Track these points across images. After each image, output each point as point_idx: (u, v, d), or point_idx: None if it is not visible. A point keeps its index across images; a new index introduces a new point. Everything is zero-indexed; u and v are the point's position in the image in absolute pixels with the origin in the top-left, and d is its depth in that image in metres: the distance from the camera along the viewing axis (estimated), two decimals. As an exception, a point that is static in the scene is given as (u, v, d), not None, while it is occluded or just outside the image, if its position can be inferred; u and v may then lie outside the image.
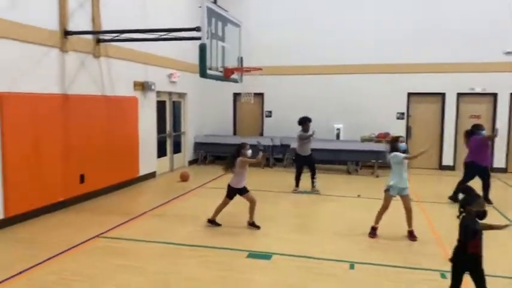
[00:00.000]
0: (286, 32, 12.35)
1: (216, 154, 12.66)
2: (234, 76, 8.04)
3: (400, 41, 11.69)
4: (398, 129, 11.94)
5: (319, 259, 5.15)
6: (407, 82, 11.87)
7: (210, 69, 6.84)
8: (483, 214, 3.47)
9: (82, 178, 7.66)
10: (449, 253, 5.17)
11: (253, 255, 5.26)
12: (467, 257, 3.52)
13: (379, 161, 10.92)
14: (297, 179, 8.93)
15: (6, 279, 4.44)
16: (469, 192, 3.66)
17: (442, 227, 6.46)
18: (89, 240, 5.72)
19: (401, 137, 6.22)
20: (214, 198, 6.86)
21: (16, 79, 6.29)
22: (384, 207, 5.94)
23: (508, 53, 11.15)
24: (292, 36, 12.37)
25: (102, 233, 6.00)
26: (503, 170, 11.25)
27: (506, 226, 3.68)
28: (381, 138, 11.81)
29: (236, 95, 13.16)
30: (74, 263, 4.95)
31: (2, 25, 6.01)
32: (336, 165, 11.75)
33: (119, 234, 6.01)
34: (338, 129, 12.24)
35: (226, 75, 7.46)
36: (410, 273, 4.75)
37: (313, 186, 8.92)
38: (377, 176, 10.72)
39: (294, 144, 11.03)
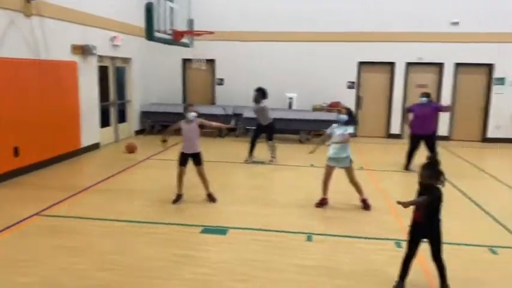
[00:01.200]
0: (239, -5, 11.84)
1: (164, 123, 12.09)
2: (184, 40, 7.53)
3: (352, 10, 11.59)
4: (348, 98, 12.02)
5: (277, 231, 5.03)
6: (358, 51, 11.86)
7: (158, 31, 6.31)
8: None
9: (16, 151, 6.97)
10: (403, 221, 5.26)
11: (208, 230, 5.04)
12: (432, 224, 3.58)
13: (331, 130, 10.95)
14: (251, 148, 8.73)
15: None
16: (434, 166, 3.59)
17: (394, 195, 6.55)
18: (26, 219, 5.21)
19: (348, 108, 6.09)
20: (164, 170, 6.52)
21: None
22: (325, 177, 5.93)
23: (454, 23, 11.39)
24: (246, 0, 11.87)
25: (42, 211, 5.49)
26: (446, 138, 11.73)
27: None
28: (332, 107, 11.83)
29: (186, 61, 12.56)
30: (10, 246, 4.47)
31: None
32: (288, 135, 11.66)
33: (60, 212, 5.53)
34: (291, 98, 12.09)
35: (176, 38, 6.96)
36: (366, 243, 4.75)
37: (272, 156, 8.76)
38: (328, 145, 10.75)
39: (248, 114, 10.82)
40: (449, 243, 3.70)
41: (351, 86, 12.15)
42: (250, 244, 4.68)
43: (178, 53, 11.76)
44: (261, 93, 8.58)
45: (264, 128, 8.70)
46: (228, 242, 4.74)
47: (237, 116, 11.65)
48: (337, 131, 5.81)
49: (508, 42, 11.20)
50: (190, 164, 6.00)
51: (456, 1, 11.30)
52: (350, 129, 5.74)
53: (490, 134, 11.80)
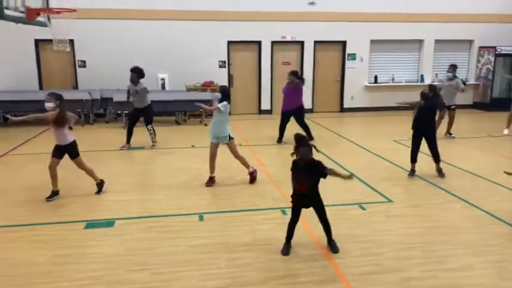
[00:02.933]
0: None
1: (18, 113, 10.67)
2: (40, 18, 6.70)
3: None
4: (221, 77, 12.22)
5: (167, 216, 4.96)
6: (227, 30, 12.04)
7: (7, 8, 5.49)
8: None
9: None
10: (284, 191, 5.65)
11: (92, 224, 4.72)
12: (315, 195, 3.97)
13: (206, 109, 11.05)
14: (129, 135, 8.30)
15: None
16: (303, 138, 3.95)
17: (273, 167, 7.00)
18: None
19: (222, 86, 6.24)
20: (27, 166, 5.82)
21: None
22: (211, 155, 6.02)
23: (311, 3, 12.31)
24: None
25: None
26: (310, 111, 12.79)
27: (349, 177, 4.06)
28: (206, 86, 11.89)
29: (39, 42, 11.23)
30: None
31: None
32: (163, 117, 11.39)
33: None
34: (163, 79, 11.77)
35: (30, 17, 6.14)
36: (254, 215, 5.00)
37: (152, 141, 8.45)
38: (205, 125, 10.86)
39: (118, 98, 10.23)
40: (327, 205, 4.11)
41: (222, 65, 12.33)
42: (142, 232, 4.54)
43: (29, 33, 10.45)
44: (136, 74, 8.12)
45: (140, 112, 8.31)
46: (118, 233, 4.52)
47: (106, 100, 10.95)
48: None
49: (358, 21, 12.55)
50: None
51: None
52: (218, 104, 5.87)
53: (346, 104, 13.24)
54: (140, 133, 8.61)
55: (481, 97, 13.60)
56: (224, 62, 12.33)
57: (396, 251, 4.11)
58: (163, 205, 5.32)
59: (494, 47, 12.96)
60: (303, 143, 3.89)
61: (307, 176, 3.90)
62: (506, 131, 9.57)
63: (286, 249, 4.03)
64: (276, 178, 6.36)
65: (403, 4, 12.58)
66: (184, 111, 11.41)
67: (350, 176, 4.06)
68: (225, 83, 12.26)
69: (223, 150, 6.14)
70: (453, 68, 9.34)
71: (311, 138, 8.72)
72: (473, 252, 4.06)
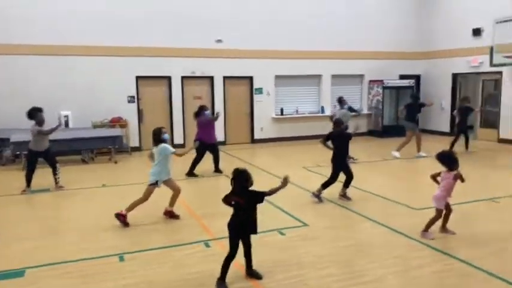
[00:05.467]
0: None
1: None
2: None
3: (128, 24, 11.64)
4: (130, 112, 11.99)
5: (83, 260, 4.68)
6: (135, 66, 11.94)
7: None
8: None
9: None
10: (205, 223, 5.70)
11: (-2, 277, 4.28)
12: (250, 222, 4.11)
13: (116, 146, 10.70)
14: (28, 178, 7.67)
15: None
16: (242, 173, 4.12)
17: (192, 200, 7.00)
18: None
19: (163, 127, 6.06)
20: None
21: None
22: (144, 200, 5.83)
23: (218, 40, 12.78)
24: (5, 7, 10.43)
25: None
26: (223, 143, 13.05)
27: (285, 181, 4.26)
28: (114, 122, 11.54)
29: None
30: None
31: None
32: (68, 156, 10.73)
33: None
34: (66, 116, 11.16)
35: None
36: (178, 251, 4.95)
37: (56, 182, 7.89)
38: (115, 162, 10.50)
39: (16, 138, 9.47)
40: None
41: (131, 100, 12.11)
42: (57, 279, 4.23)
43: None
44: (39, 111, 7.61)
45: (41, 154, 7.74)
46: (29, 284, 4.15)
47: (3, 140, 10.06)
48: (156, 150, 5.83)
49: (263, 58, 13.29)
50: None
51: (219, 22, 12.69)
52: (170, 149, 5.83)
53: (257, 135, 13.77)
54: (43, 174, 8.03)
55: (373, 125, 15.10)
56: (133, 97, 12.14)
57: (316, 270, 4.38)
58: (77, 248, 5.01)
59: (382, 81, 14.60)
60: (240, 173, 4.07)
61: (248, 203, 4.05)
62: (397, 154, 10.68)
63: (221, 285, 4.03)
64: (197, 212, 6.37)
65: (303, 43, 13.66)
66: (91, 149, 10.88)
67: (285, 180, 4.23)
68: (134, 118, 12.07)
69: (140, 190, 6.00)
70: (340, 100, 10.37)
71: (219, 171, 8.96)
72: (383, 265, 4.49)
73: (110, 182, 8.39)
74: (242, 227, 4.11)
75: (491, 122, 13.42)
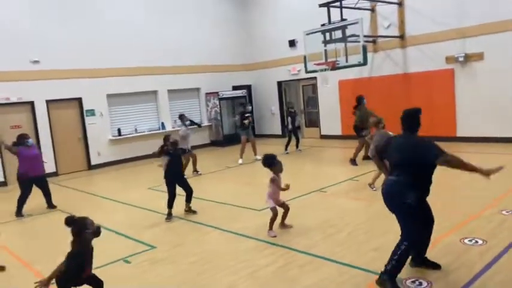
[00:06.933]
0: None
1: None
2: None
3: None
4: None
5: None
6: None
7: None
8: (98, 230, 3.54)
9: None
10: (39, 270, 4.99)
11: None
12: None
13: None
14: None
15: None
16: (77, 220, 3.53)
17: (17, 246, 6.05)
18: None
19: None
20: None
21: None
22: None
23: (35, 61, 11.48)
24: None
25: None
26: (55, 174, 11.73)
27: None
28: None
29: None
30: None
31: None
32: None
33: None
34: None
35: None
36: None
37: None
38: None
39: None
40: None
41: None
42: None
43: None
44: None
45: None
46: None
47: None
48: None
49: (91, 77, 12.42)
50: None
51: (35, 41, 11.40)
52: None
53: (94, 161, 12.77)
54: None
55: (215, 135, 15.55)
56: None
57: (167, 293, 4.21)
58: None
59: (217, 92, 15.15)
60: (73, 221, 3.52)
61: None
62: (240, 161, 11.23)
63: None
64: (24, 258, 5.52)
65: (136, 59, 13.27)
66: None
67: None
68: None
69: None
70: (181, 117, 10.39)
71: (53, 206, 8.03)
72: (232, 272, 4.57)
73: None
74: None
75: (313, 121, 15.18)
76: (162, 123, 14.30)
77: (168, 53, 14.07)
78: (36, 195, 7.98)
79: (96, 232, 3.51)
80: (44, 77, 11.58)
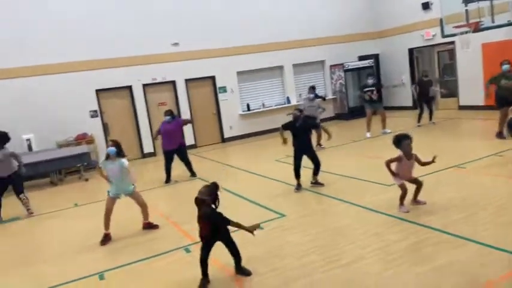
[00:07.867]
0: None
1: None
2: None
3: (76, 39, 11.34)
4: (95, 127, 11.73)
5: (64, 284, 4.57)
6: (93, 79, 11.65)
7: None
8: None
9: None
10: (184, 228, 5.65)
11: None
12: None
13: (84, 163, 10.45)
14: None
15: None
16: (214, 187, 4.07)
17: (166, 208, 6.93)
18: None
19: (114, 140, 5.95)
20: None
21: None
22: (108, 211, 5.73)
23: (175, 44, 12.64)
24: None
25: None
26: (194, 146, 12.94)
27: (254, 229, 4.21)
28: (80, 139, 11.27)
29: None
30: None
31: None
32: (36, 180, 10.42)
33: None
34: (28, 139, 10.81)
35: None
36: (159, 260, 4.90)
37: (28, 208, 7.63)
38: (86, 180, 10.25)
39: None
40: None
41: (94, 114, 11.84)
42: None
43: None
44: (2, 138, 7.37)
45: (6, 181, 7.49)
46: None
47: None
48: (111, 165, 5.67)
49: (222, 56, 13.23)
50: None
51: (174, 24, 12.54)
52: (126, 162, 5.69)
53: (226, 134, 13.72)
54: (9, 203, 7.78)
55: (340, 109, 15.32)
56: (95, 111, 11.86)
57: (297, 259, 4.42)
58: (56, 274, 4.87)
59: (342, 64, 14.80)
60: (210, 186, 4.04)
61: (207, 224, 4.01)
62: (368, 134, 10.94)
63: (204, 284, 4.05)
64: (172, 219, 6.31)
65: (261, 35, 13.70)
66: (59, 169, 10.57)
67: (254, 229, 4.19)
68: (100, 132, 11.82)
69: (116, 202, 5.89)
70: (312, 89, 10.44)
71: (193, 174, 8.87)
72: (361, 245, 4.58)
73: (81, 201, 8.19)
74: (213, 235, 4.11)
75: (451, 91, 13.84)
76: (288, 98, 14.59)
77: (293, 27, 14.16)
78: (181, 164, 8.94)
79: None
80: (182, 58, 12.70)
